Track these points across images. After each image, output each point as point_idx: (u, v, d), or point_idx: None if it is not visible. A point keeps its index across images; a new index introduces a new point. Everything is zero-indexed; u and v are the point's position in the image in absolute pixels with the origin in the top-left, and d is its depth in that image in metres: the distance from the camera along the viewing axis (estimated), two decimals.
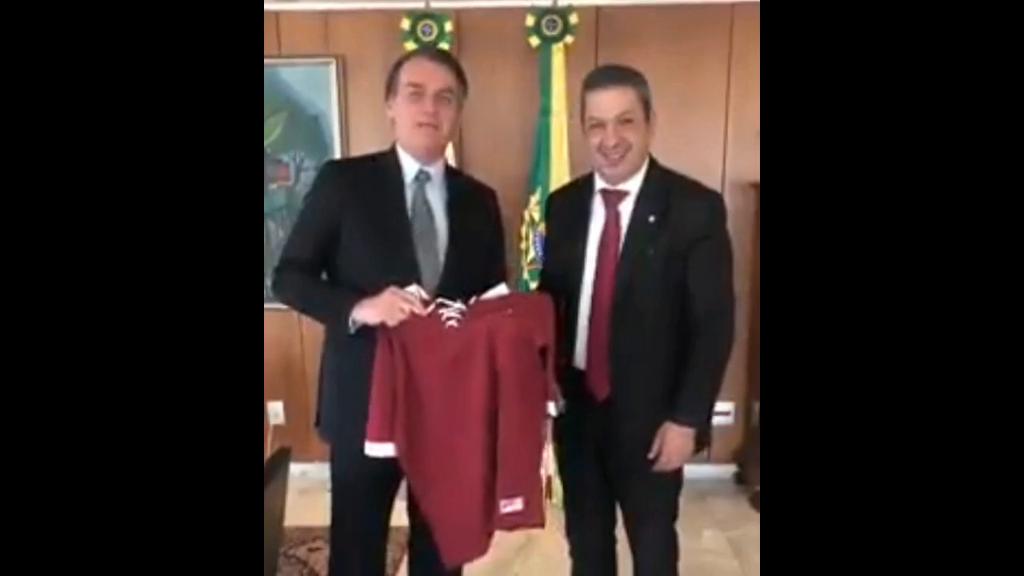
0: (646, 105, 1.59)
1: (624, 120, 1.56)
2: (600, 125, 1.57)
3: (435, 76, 1.57)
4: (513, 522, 1.53)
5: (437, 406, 1.50)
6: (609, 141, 1.56)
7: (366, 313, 1.47)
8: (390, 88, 1.63)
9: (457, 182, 1.70)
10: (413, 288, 1.49)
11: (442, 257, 1.59)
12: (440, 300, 1.50)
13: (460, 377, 1.48)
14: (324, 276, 1.65)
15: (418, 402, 1.49)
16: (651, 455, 1.62)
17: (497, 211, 1.77)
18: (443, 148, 1.67)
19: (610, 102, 1.56)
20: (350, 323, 1.49)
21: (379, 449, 1.49)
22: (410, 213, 1.60)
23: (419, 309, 1.45)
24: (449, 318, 1.48)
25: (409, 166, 1.62)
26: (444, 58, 1.63)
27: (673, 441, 1.60)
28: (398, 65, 1.62)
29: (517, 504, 1.51)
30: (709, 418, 1.67)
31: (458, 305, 1.50)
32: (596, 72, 1.63)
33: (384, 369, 1.48)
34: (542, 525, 1.55)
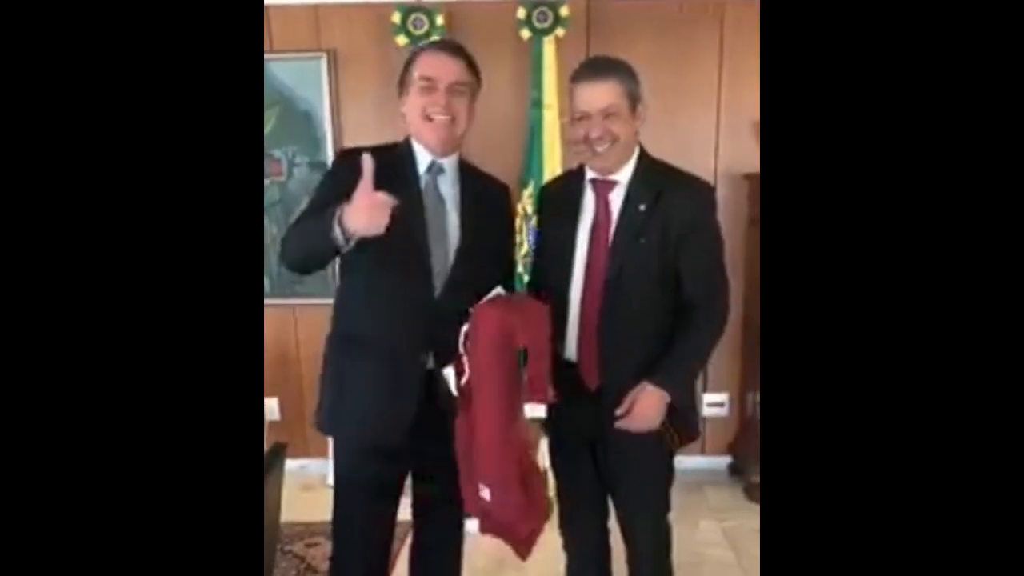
0: (632, 98, 1.59)
1: (609, 113, 1.56)
2: (586, 117, 1.58)
3: (447, 69, 1.55)
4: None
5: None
6: (594, 132, 1.57)
7: (352, 221, 1.36)
8: (403, 85, 1.60)
9: (471, 176, 1.68)
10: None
11: (452, 250, 1.58)
12: None
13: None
14: (338, 264, 1.62)
15: None
16: (619, 411, 1.58)
17: (510, 207, 1.76)
18: (458, 142, 1.64)
19: (595, 96, 1.57)
20: (337, 233, 1.37)
21: None
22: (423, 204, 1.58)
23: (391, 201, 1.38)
24: None
25: (422, 157, 1.61)
26: (456, 50, 1.60)
27: (644, 400, 1.57)
28: (409, 62, 1.59)
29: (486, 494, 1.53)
30: (690, 400, 1.66)
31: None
32: (583, 65, 1.63)
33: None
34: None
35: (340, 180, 1.51)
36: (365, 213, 1.36)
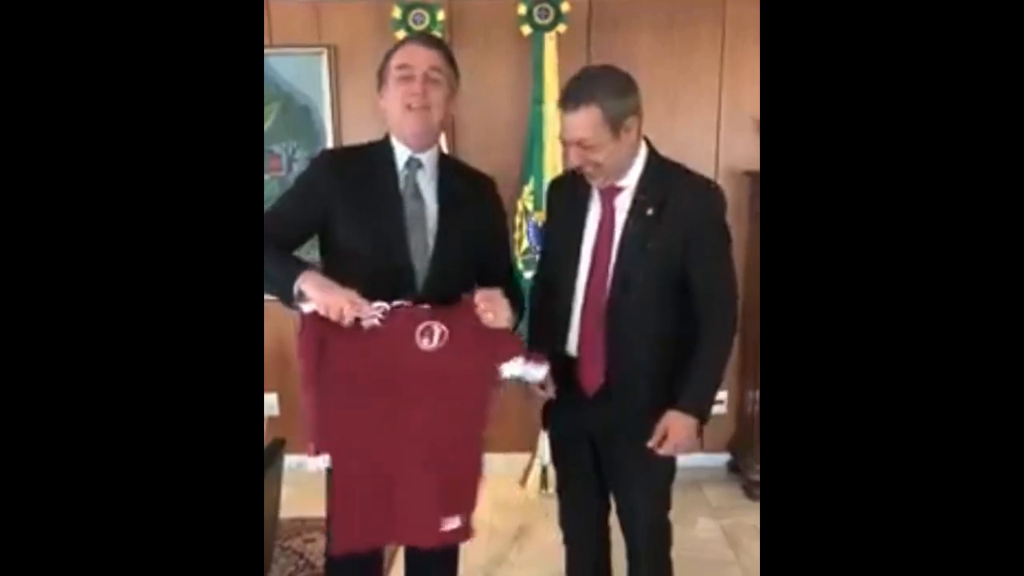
0: (614, 120, 1.52)
1: (586, 146, 1.53)
2: (569, 145, 1.58)
3: (423, 57, 1.56)
4: (452, 539, 1.57)
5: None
6: (574, 161, 1.58)
7: (311, 293, 1.44)
8: (381, 78, 1.61)
9: (451, 170, 1.68)
10: (380, 304, 1.43)
11: (431, 244, 1.58)
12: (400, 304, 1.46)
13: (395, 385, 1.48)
14: (319, 261, 1.63)
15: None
16: (652, 443, 1.60)
17: (496, 199, 1.75)
18: (436, 134, 1.64)
19: (571, 127, 1.54)
20: (295, 291, 1.46)
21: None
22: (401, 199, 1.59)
23: (367, 313, 1.41)
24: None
25: (401, 153, 1.61)
26: (433, 42, 1.62)
27: (677, 429, 1.59)
28: (388, 55, 1.60)
29: (456, 522, 1.53)
30: (711, 405, 1.66)
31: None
32: (566, 87, 1.58)
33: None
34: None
35: (318, 182, 1.58)
36: (331, 304, 1.41)
